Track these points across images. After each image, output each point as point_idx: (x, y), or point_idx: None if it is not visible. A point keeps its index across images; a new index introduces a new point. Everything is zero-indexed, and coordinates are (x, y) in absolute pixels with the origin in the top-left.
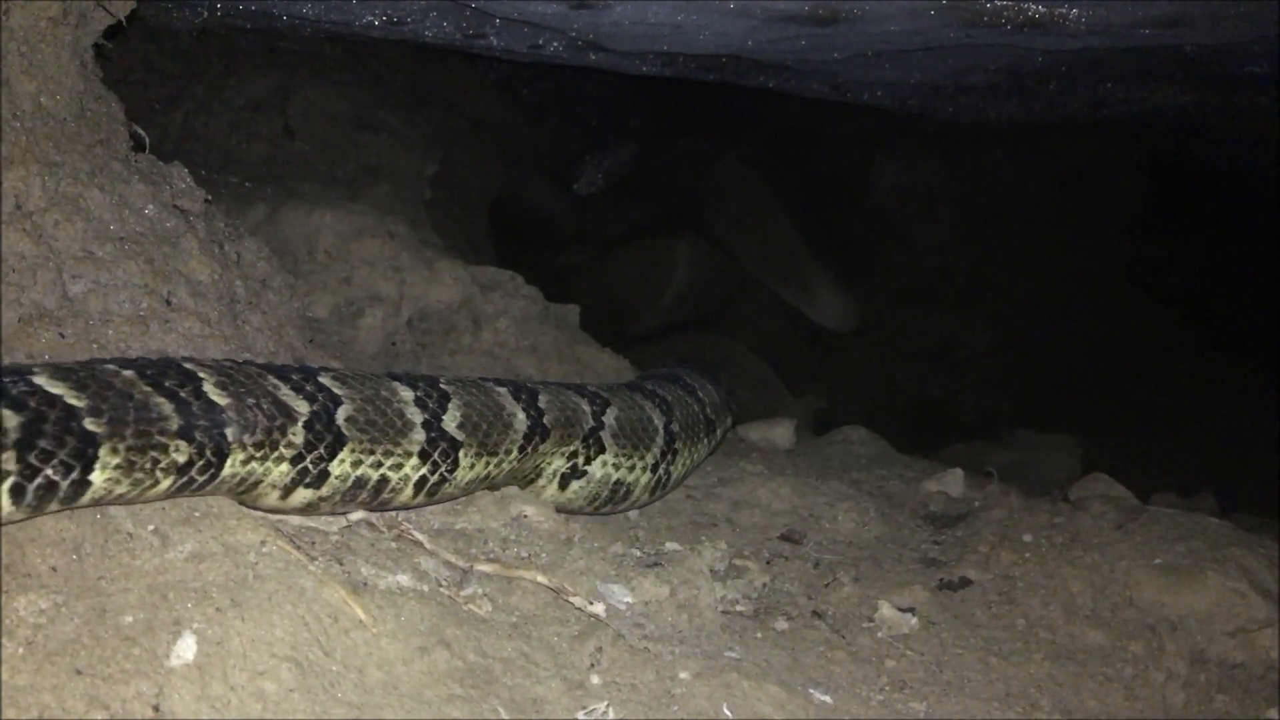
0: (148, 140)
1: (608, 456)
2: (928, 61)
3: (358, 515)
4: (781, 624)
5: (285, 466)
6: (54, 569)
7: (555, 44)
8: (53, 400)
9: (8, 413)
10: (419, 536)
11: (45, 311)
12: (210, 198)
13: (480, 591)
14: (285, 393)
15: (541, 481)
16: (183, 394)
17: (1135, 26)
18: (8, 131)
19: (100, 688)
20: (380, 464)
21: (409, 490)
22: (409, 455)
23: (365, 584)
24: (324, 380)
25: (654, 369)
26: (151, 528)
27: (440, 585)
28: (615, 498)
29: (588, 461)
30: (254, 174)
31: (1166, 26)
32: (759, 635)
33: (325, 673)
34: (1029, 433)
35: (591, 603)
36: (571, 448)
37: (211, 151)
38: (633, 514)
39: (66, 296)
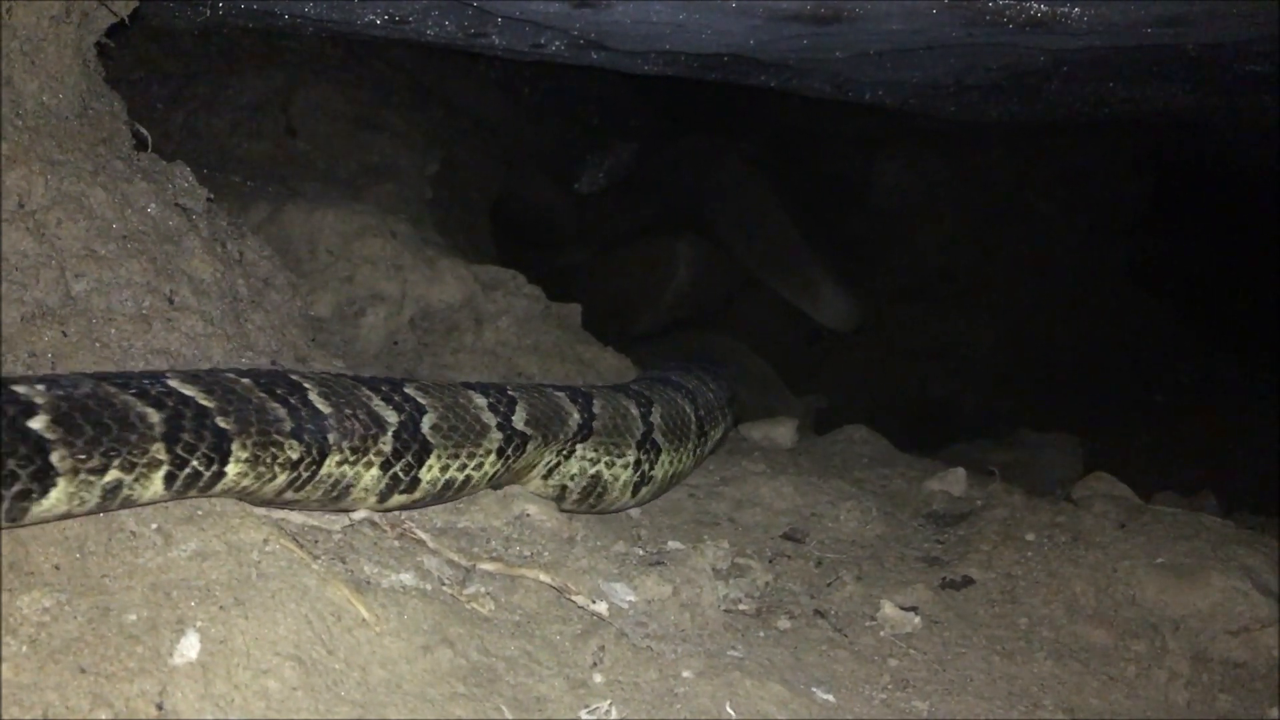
0: (150, 139)
1: (665, 457)
2: (929, 60)
3: (361, 514)
4: (784, 623)
5: (376, 471)
6: (57, 567)
7: (557, 43)
8: (187, 400)
9: (150, 410)
10: (422, 535)
11: (48, 310)
12: (212, 196)
13: (483, 590)
14: (377, 403)
15: (614, 493)
16: (292, 400)
17: (1137, 25)
18: (10, 130)
19: (104, 686)
20: (465, 466)
21: (484, 484)
22: (489, 454)
23: (368, 582)
24: (409, 390)
25: (662, 365)
26: (155, 526)
27: (443, 584)
28: (670, 486)
29: (652, 467)
30: (256, 173)
31: (1168, 25)
32: (762, 634)
33: (328, 671)
34: (1030, 432)
35: (594, 601)
36: (630, 457)
37: (213, 150)
38: (635, 513)
39: (69, 295)
